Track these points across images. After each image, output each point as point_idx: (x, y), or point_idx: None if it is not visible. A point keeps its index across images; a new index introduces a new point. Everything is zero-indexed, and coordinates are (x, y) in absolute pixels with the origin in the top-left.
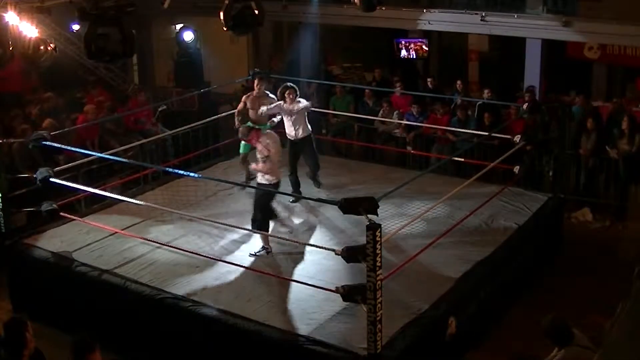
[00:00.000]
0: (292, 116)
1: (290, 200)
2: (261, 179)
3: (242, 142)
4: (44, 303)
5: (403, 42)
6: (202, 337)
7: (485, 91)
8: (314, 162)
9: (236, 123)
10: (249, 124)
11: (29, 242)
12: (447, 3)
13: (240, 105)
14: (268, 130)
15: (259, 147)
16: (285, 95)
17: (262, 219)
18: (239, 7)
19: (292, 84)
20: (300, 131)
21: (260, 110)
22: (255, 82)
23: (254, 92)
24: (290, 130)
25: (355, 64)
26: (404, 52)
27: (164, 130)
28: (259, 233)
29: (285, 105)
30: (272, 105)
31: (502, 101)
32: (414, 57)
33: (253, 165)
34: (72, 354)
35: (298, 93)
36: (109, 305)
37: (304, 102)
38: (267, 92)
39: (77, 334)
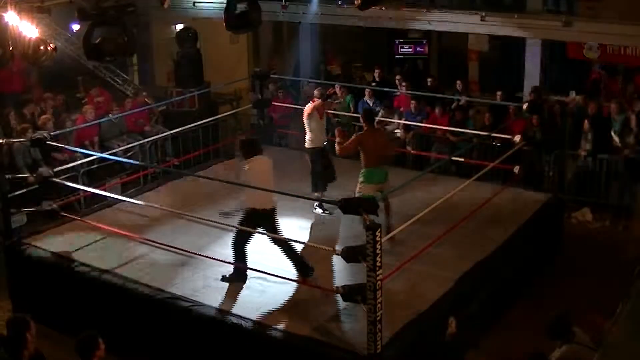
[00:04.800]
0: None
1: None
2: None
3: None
4: (44, 303)
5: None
6: (202, 337)
7: (498, 93)
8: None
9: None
10: None
11: (29, 242)
12: (447, 3)
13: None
14: None
15: None
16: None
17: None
18: (241, 7)
19: None
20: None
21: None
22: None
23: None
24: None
25: (355, 64)
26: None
27: (163, 131)
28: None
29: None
30: None
31: (502, 101)
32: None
33: None
34: (78, 352)
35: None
36: (108, 305)
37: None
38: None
39: (84, 331)
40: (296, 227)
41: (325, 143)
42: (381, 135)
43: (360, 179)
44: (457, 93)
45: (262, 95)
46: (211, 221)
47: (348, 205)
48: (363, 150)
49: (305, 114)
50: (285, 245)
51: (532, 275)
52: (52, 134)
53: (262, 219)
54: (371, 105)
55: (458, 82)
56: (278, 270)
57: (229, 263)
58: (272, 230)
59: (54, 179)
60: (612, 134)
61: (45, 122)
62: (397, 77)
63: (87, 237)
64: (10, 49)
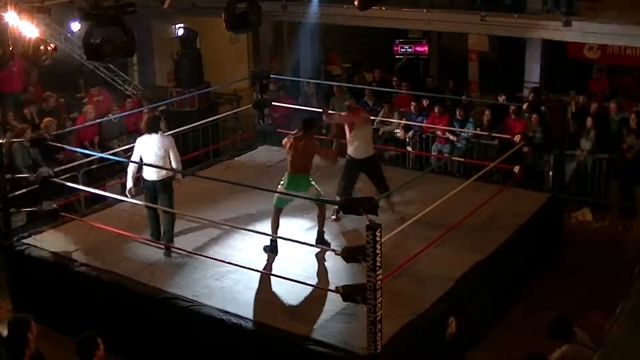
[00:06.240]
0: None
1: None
2: None
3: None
4: (44, 303)
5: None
6: (202, 337)
7: (502, 97)
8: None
9: None
10: None
11: (29, 242)
12: (447, 3)
13: None
14: None
15: None
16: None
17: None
18: (242, 7)
19: None
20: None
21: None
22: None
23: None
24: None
25: (359, 65)
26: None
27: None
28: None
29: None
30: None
31: (502, 101)
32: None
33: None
34: (78, 353)
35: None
36: (108, 305)
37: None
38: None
39: (84, 331)
40: (296, 227)
41: (364, 156)
42: (310, 146)
43: (281, 182)
44: (450, 92)
45: (262, 95)
46: (211, 221)
47: (348, 205)
48: (288, 154)
49: None
50: (169, 218)
51: (532, 275)
52: (52, 133)
53: (150, 188)
54: (371, 105)
55: (450, 81)
56: (278, 270)
57: (229, 263)
58: (163, 199)
59: (54, 179)
60: (626, 135)
61: (49, 125)
62: (394, 78)
63: (87, 237)
64: (10, 49)
